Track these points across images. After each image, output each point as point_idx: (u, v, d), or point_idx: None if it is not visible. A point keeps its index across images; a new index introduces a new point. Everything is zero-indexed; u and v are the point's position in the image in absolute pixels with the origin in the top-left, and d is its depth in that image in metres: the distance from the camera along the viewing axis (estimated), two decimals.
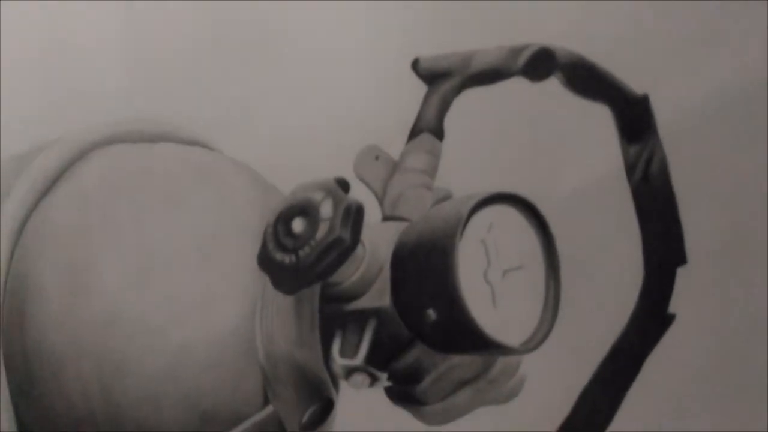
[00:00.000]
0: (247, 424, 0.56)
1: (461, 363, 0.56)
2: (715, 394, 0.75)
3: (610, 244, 0.73)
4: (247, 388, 0.56)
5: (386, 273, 0.55)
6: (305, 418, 0.57)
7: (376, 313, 0.55)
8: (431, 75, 0.63)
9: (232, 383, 0.56)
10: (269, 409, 0.57)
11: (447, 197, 0.61)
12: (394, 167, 0.61)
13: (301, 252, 0.52)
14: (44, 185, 0.59)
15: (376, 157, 0.61)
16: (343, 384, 0.57)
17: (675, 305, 0.67)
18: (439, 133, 0.62)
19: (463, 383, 0.57)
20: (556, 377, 0.67)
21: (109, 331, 0.55)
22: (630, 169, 0.67)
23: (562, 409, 0.66)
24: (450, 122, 0.62)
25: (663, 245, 0.67)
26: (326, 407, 0.58)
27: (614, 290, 0.69)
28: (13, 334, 0.56)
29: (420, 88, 0.63)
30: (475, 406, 0.58)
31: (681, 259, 0.68)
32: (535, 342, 0.53)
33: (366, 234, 0.53)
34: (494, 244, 0.53)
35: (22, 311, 0.56)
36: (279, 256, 0.52)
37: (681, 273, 0.68)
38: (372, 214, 0.56)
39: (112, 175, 0.59)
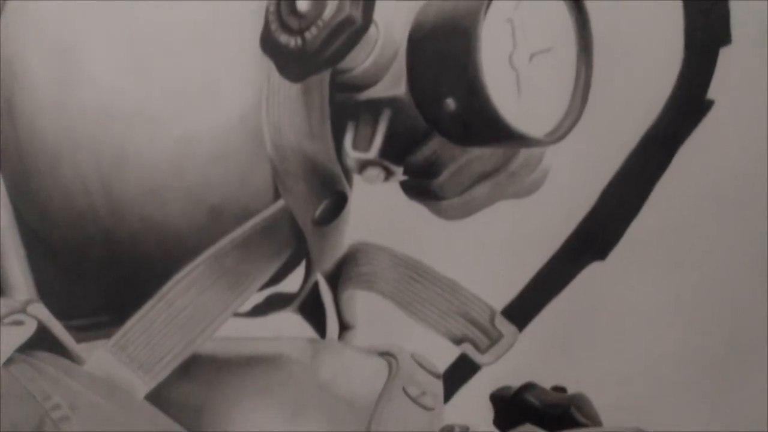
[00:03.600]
0: (257, 219, 0.55)
1: (481, 155, 0.54)
2: (752, 190, 0.72)
3: (649, 21, 0.68)
4: (256, 182, 0.54)
5: (402, 58, 0.52)
6: (317, 213, 0.55)
7: (391, 102, 0.52)
8: None
9: (240, 176, 0.54)
10: (280, 203, 0.55)
11: None
12: None
13: (307, 34, 0.48)
14: None
15: None
16: (357, 178, 0.55)
17: (715, 90, 0.64)
18: None
19: (483, 176, 0.55)
20: (582, 169, 0.65)
21: (105, 122, 0.52)
22: None
23: (587, 203, 0.64)
24: None
25: (706, 22, 0.63)
26: (339, 202, 0.56)
27: (651, 74, 0.65)
28: (3, 127, 0.53)
29: None
30: (495, 199, 0.57)
31: (725, 38, 0.64)
32: (561, 132, 0.51)
33: (379, 12, 0.50)
34: (522, 23, 0.50)
35: (10, 101, 0.53)
36: (283, 38, 0.48)
37: (723, 55, 0.63)
38: None
39: None
